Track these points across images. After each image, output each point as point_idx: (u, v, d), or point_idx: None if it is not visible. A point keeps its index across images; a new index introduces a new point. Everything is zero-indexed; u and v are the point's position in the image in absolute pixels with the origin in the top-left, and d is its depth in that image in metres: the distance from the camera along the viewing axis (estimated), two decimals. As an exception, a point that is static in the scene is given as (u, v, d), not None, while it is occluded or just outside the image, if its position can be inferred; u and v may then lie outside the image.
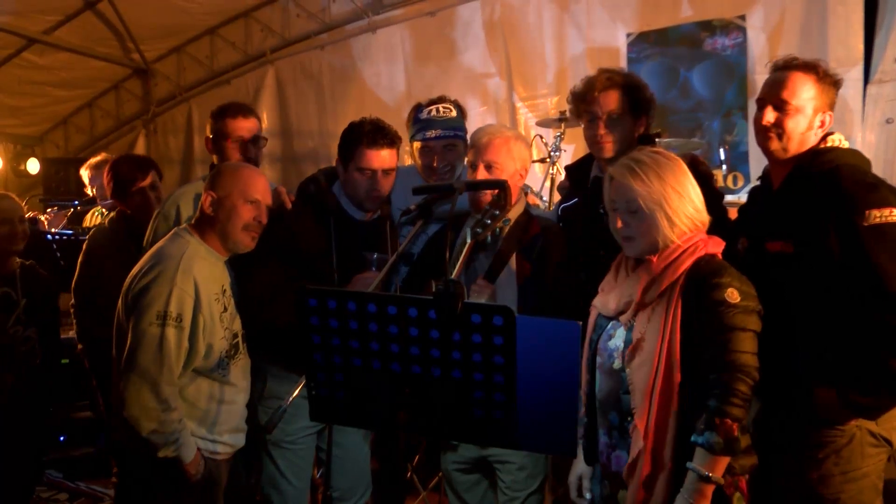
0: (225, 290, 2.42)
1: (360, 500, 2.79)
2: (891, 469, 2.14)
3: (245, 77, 7.03)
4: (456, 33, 5.92)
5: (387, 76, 6.26)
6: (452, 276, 2.04)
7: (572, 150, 4.93)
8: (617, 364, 1.98)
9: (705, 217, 1.98)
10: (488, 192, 2.36)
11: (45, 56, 6.53)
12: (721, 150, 4.60)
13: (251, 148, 2.98)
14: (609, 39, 5.31)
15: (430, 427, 1.66)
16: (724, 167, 4.62)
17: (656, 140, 2.68)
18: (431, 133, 2.81)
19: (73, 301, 3.50)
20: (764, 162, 2.31)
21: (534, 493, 2.50)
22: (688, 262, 1.91)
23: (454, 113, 2.88)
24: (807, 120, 2.11)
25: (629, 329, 1.97)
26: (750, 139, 4.80)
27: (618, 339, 2.00)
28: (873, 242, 1.92)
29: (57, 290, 3.39)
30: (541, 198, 4.29)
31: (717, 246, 1.97)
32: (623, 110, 2.45)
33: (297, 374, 2.31)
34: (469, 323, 1.46)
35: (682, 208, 1.92)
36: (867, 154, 2.23)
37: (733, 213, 2.51)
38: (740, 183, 4.82)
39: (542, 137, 4.64)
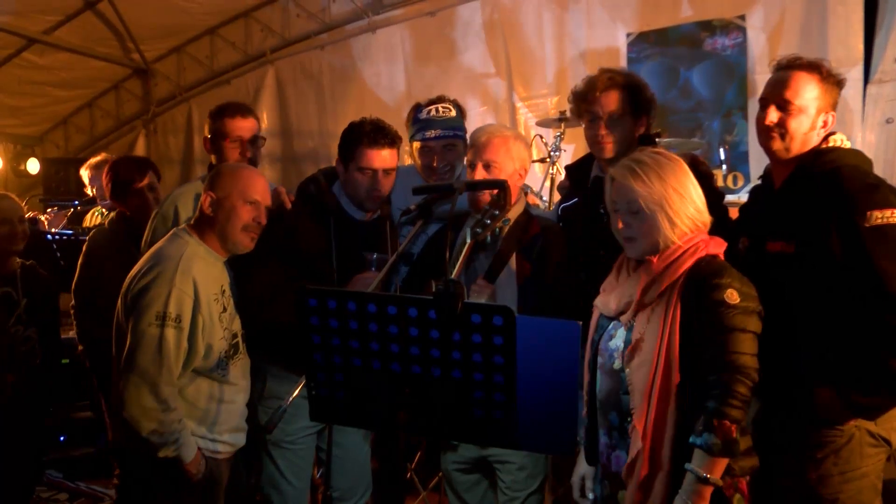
0: (224, 291, 2.42)
1: (361, 500, 2.78)
2: (890, 469, 2.14)
3: (245, 77, 7.03)
4: (456, 33, 5.92)
5: (387, 76, 6.26)
6: (452, 276, 2.04)
7: (572, 150, 4.93)
8: (617, 364, 1.98)
9: (707, 218, 1.98)
10: (487, 191, 2.36)
11: (46, 56, 6.53)
12: (721, 150, 4.60)
13: (250, 148, 2.98)
14: (609, 39, 5.31)
15: (430, 427, 1.66)
16: (724, 167, 4.62)
17: (656, 140, 2.68)
18: (431, 133, 2.81)
19: (73, 303, 3.50)
20: (764, 162, 2.30)
21: (534, 493, 2.50)
22: (688, 263, 1.91)
23: (453, 113, 2.88)
24: (810, 120, 2.11)
25: (629, 329, 1.97)
26: (750, 139, 4.80)
27: (618, 339, 2.00)
28: (874, 243, 1.92)
29: (57, 290, 3.40)
30: (541, 198, 4.29)
31: (718, 247, 1.97)
32: (624, 111, 2.45)
33: (297, 374, 2.31)
34: (469, 323, 1.46)
35: (683, 209, 1.92)
36: (867, 154, 2.23)
37: (734, 213, 2.50)
38: (740, 183, 4.82)
39: (542, 137, 4.64)
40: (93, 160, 4.47)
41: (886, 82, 4.29)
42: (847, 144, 2.15)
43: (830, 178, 2.03)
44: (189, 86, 7.39)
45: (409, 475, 3.65)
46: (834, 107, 2.14)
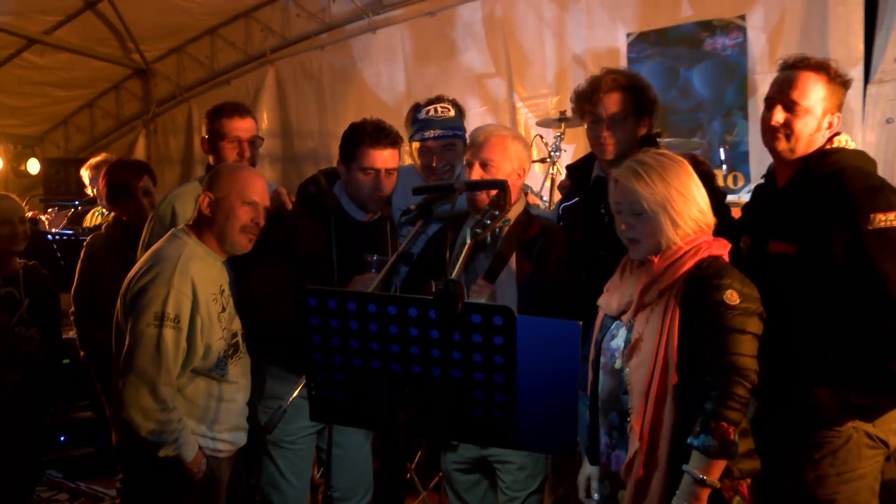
0: (223, 291, 2.42)
1: (362, 500, 2.78)
2: (889, 469, 2.14)
3: (245, 77, 7.04)
4: (456, 33, 5.92)
5: (387, 76, 6.26)
6: (452, 276, 2.04)
7: (572, 150, 4.93)
8: (618, 364, 1.97)
9: (710, 219, 1.96)
10: (486, 191, 2.36)
11: (46, 56, 6.54)
12: (721, 150, 4.60)
13: (248, 148, 2.96)
14: (609, 39, 5.31)
15: (430, 427, 1.66)
16: (725, 167, 4.63)
17: (657, 140, 2.68)
18: (430, 133, 2.81)
19: (72, 309, 3.49)
20: (765, 162, 2.30)
21: (534, 493, 2.50)
22: (689, 264, 1.90)
23: (452, 112, 2.87)
24: (816, 121, 2.09)
25: (629, 329, 1.97)
26: (750, 139, 4.81)
27: (619, 338, 2.00)
28: (877, 246, 1.91)
29: (58, 290, 3.40)
30: (541, 198, 4.29)
31: (722, 248, 1.95)
32: (627, 112, 2.44)
33: (297, 374, 2.31)
34: (469, 323, 1.46)
35: (686, 210, 1.91)
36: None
37: (735, 213, 2.50)
38: (741, 183, 4.82)
39: (542, 137, 4.64)
40: (93, 160, 4.47)
41: (886, 82, 4.29)
42: (851, 145, 2.13)
43: (833, 179, 2.02)
44: (189, 86, 7.39)
45: (409, 475, 3.65)
46: (840, 108, 2.11)
